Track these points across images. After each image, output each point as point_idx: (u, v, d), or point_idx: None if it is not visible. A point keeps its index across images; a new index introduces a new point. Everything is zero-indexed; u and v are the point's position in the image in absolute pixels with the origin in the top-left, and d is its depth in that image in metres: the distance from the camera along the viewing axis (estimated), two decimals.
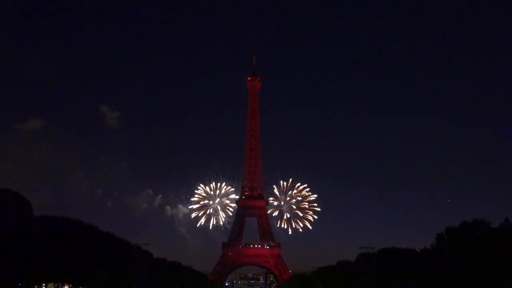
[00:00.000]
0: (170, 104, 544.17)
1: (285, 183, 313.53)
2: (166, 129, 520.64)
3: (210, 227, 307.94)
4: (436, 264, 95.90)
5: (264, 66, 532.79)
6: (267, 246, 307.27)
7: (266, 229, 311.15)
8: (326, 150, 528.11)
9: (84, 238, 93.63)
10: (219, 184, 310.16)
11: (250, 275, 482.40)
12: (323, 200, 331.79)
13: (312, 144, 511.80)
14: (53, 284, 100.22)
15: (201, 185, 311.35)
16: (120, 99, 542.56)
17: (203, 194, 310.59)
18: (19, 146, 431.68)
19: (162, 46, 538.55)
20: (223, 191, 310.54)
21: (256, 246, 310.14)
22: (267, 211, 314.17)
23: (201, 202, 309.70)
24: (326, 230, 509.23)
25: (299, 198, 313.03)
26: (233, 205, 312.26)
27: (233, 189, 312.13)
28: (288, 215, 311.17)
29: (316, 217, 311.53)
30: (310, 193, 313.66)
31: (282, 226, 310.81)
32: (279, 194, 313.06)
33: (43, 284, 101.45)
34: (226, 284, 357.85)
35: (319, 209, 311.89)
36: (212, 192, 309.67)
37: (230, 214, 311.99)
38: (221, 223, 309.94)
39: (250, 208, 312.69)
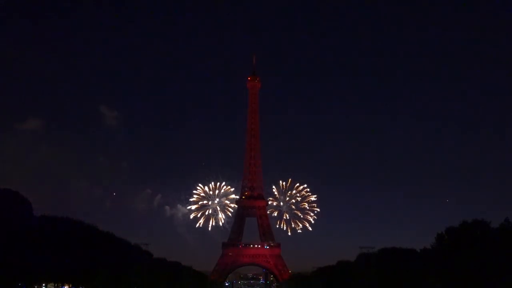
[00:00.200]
0: (169, 104, 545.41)
1: (284, 183, 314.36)
2: (165, 129, 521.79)
3: (209, 228, 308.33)
4: (436, 264, 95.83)
5: (264, 66, 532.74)
6: (267, 246, 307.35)
7: (266, 229, 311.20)
8: (326, 150, 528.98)
9: (84, 238, 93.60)
10: (218, 184, 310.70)
11: (250, 275, 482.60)
12: (323, 200, 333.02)
13: (312, 144, 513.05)
14: (53, 284, 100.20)
15: (200, 185, 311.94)
16: (120, 99, 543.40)
17: (202, 194, 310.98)
18: (19, 146, 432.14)
19: (161, 46, 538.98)
20: (222, 191, 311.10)
21: (256, 246, 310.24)
22: (267, 211, 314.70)
23: (200, 203, 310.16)
24: (326, 230, 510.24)
25: (299, 199, 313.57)
26: (232, 205, 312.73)
27: (232, 189, 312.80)
28: (288, 216, 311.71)
29: (316, 218, 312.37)
30: (309, 194, 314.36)
31: (282, 227, 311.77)
32: (279, 194, 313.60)
33: (43, 284, 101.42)
34: (226, 284, 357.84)
35: (318, 210, 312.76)
36: (211, 192, 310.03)
37: (230, 214, 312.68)
38: (221, 223, 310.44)
39: (250, 208, 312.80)
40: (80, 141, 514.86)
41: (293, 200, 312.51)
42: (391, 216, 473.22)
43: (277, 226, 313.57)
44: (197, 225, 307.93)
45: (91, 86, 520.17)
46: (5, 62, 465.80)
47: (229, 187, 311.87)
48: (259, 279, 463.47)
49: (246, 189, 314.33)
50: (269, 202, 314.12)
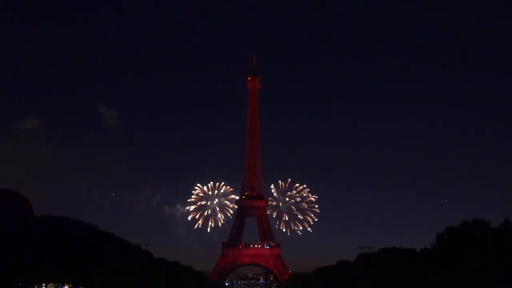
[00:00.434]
0: (169, 104, 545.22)
1: (283, 183, 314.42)
2: (165, 129, 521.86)
3: (209, 230, 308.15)
4: (436, 264, 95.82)
5: (264, 66, 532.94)
6: (267, 246, 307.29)
7: (266, 229, 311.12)
8: (326, 150, 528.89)
9: (84, 238, 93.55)
10: (217, 184, 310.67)
11: (250, 275, 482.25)
12: (323, 200, 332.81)
13: (312, 144, 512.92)
14: (53, 284, 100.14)
15: (199, 185, 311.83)
16: (119, 99, 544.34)
17: (201, 195, 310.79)
18: (17, 146, 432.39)
19: (161, 46, 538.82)
20: (221, 191, 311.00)
21: (256, 246, 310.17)
22: (267, 211, 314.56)
23: (199, 203, 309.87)
24: (326, 230, 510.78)
25: (298, 199, 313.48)
26: (232, 205, 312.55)
27: (232, 189, 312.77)
28: (287, 217, 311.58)
29: (315, 219, 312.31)
30: (309, 194, 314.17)
31: (281, 228, 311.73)
32: (277, 194, 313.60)
33: (43, 284, 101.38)
34: (226, 284, 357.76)
35: (318, 211, 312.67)
36: (210, 193, 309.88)
37: (229, 215, 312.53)
38: (220, 224, 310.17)
39: (250, 208, 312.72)
40: (79, 141, 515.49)
41: (293, 201, 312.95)
42: (391, 216, 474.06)
43: (276, 227, 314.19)
44: (196, 226, 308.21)
45: (90, 86, 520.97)
46: (3, 62, 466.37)
47: (228, 187, 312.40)
48: (259, 279, 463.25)
49: (246, 189, 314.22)
50: (268, 203, 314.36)
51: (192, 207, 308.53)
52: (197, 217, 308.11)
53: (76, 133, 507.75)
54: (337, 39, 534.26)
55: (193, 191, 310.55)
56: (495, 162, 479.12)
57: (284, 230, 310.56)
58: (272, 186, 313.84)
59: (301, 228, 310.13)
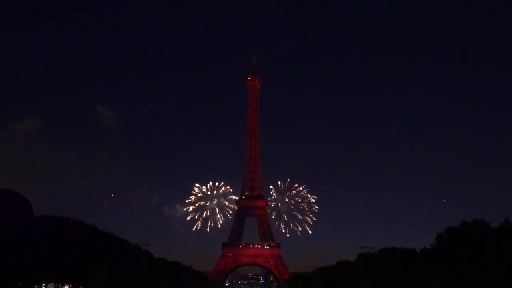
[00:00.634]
0: (168, 104, 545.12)
1: (282, 184, 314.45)
2: (164, 129, 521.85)
3: (208, 230, 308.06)
4: (436, 264, 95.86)
5: (264, 66, 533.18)
6: (267, 246, 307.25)
7: (266, 229, 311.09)
8: (326, 150, 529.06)
9: (84, 238, 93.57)
10: (216, 184, 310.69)
11: (250, 275, 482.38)
12: (323, 200, 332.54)
13: (312, 144, 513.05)
14: (53, 284, 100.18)
15: (198, 185, 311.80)
16: (118, 99, 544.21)
17: (200, 195, 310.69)
18: (18, 146, 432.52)
19: (161, 45, 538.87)
20: (221, 191, 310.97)
21: (256, 246, 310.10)
22: (267, 211, 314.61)
23: (198, 203, 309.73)
24: (326, 230, 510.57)
25: (298, 199, 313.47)
26: (232, 206, 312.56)
27: (231, 190, 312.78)
28: (286, 218, 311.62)
29: (315, 220, 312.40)
30: (308, 195, 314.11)
31: (280, 229, 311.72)
32: (277, 195, 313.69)
33: (43, 284, 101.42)
34: (226, 284, 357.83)
35: (317, 210, 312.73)
36: (209, 193, 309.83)
37: (228, 215, 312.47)
38: (219, 224, 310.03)
39: (250, 208, 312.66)
40: (79, 141, 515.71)
41: (292, 201, 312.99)
42: (391, 216, 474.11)
43: (276, 226, 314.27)
44: (195, 227, 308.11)
45: (89, 86, 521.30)
46: (3, 62, 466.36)
47: (228, 187, 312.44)
48: (259, 279, 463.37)
49: (246, 189, 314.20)
50: (268, 203, 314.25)
51: (191, 208, 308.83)
52: (196, 217, 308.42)
53: (75, 133, 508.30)
54: (337, 39, 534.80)
55: (192, 192, 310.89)
56: (495, 162, 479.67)
57: (283, 231, 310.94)
58: (271, 187, 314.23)
59: (300, 228, 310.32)
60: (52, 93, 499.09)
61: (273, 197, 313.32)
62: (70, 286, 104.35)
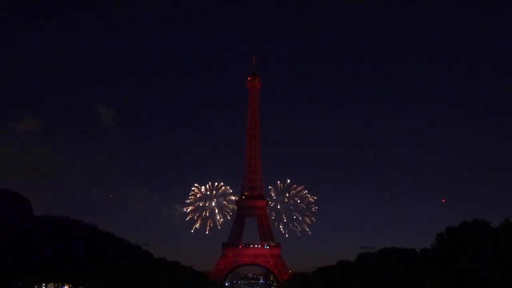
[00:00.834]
0: (168, 103, 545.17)
1: (281, 184, 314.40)
2: (164, 129, 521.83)
3: (207, 231, 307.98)
4: (436, 264, 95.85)
5: (264, 66, 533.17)
6: (267, 246, 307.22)
7: (266, 229, 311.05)
8: (326, 149, 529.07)
9: (84, 238, 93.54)
10: (216, 184, 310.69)
11: (250, 275, 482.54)
12: (323, 200, 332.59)
13: (312, 144, 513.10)
14: (53, 284, 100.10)
15: (196, 185, 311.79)
16: (118, 99, 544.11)
17: (200, 195, 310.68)
18: (18, 146, 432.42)
19: (161, 45, 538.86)
20: (220, 191, 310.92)
21: (256, 246, 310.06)
22: (267, 211, 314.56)
23: (197, 203, 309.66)
24: (326, 230, 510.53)
25: (298, 200, 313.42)
26: (231, 206, 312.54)
27: (230, 190, 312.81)
28: (285, 218, 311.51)
29: (314, 220, 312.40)
30: (308, 195, 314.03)
31: (280, 229, 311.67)
32: (277, 195, 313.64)
33: (43, 284, 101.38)
34: (226, 284, 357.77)
35: (317, 210, 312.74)
36: (208, 193, 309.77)
37: (227, 215, 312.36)
38: (218, 225, 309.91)
39: (250, 208, 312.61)
40: (78, 141, 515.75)
41: (291, 202, 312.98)
42: (391, 216, 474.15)
43: (276, 226, 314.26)
44: (194, 227, 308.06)
45: (89, 85, 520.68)
46: (2, 62, 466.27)
47: (227, 187, 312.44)
48: (259, 279, 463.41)
49: (246, 189, 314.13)
50: (268, 203, 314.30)
51: (190, 208, 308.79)
52: (195, 217, 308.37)
53: (75, 133, 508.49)
54: (337, 39, 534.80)
55: (191, 192, 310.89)
56: (495, 162, 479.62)
57: (282, 232, 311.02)
58: (270, 187, 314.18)
59: (299, 229, 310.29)
60: (52, 93, 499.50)
61: (273, 197, 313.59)
62: (70, 286, 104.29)
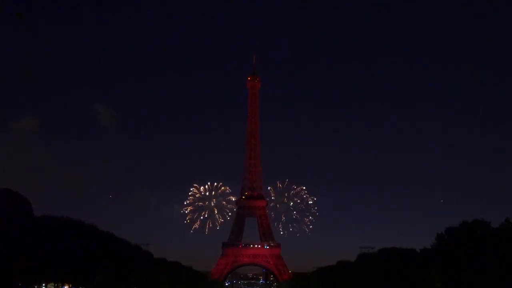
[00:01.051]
0: (168, 103, 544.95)
1: (281, 185, 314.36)
2: (164, 129, 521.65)
3: (206, 231, 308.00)
4: (436, 264, 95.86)
5: (264, 66, 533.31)
6: (267, 246, 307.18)
7: (266, 229, 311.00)
8: (326, 150, 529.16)
9: (84, 238, 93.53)
10: (215, 184, 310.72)
11: (250, 275, 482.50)
12: (323, 200, 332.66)
13: (312, 144, 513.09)
14: (53, 284, 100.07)
15: (196, 185, 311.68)
16: (117, 99, 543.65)
17: (199, 195, 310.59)
18: (17, 146, 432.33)
19: (161, 45, 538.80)
20: (219, 191, 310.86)
21: (256, 246, 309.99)
22: (267, 211, 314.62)
23: (196, 203, 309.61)
24: (326, 230, 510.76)
25: (298, 200, 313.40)
26: (229, 206, 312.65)
27: (230, 190, 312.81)
28: (283, 218, 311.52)
29: (314, 221, 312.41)
30: (307, 196, 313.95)
31: (280, 230, 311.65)
32: (276, 196, 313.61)
33: (43, 284, 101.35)
34: (226, 284, 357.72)
35: (317, 213, 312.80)
36: (207, 193, 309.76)
37: (227, 216, 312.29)
38: (217, 225, 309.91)
39: (250, 208, 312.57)
40: (78, 141, 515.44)
41: (291, 202, 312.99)
42: (391, 216, 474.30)
43: (275, 226, 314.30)
44: (193, 227, 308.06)
45: (87, 85, 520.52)
46: (1, 62, 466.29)
47: (226, 187, 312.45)
48: (259, 279, 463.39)
49: (246, 189, 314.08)
50: (268, 203, 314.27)
51: (190, 208, 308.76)
52: (194, 217, 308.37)
53: (75, 133, 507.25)
54: (337, 39, 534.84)
55: (190, 192, 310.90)
56: (495, 162, 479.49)
57: (281, 232, 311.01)
58: (269, 188, 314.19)
59: (299, 229, 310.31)
60: (52, 93, 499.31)
61: (272, 198, 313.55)
62: (70, 286, 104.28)
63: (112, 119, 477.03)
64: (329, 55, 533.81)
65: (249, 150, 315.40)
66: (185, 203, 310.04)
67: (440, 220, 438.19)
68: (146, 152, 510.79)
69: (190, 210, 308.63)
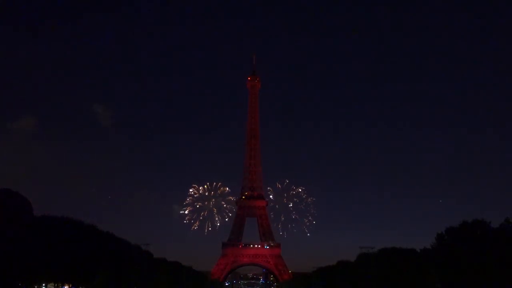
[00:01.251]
0: (168, 103, 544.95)
1: (280, 185, 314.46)
2: (164, 129, 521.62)
3: (206, 231, 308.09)
4: (436, 264, 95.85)
5: (264, 66, 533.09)
6: (267, 246, 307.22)
7: (266, 229, 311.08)
8: (326, 149, 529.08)
9: (84, 238, 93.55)
10: (214, 184, 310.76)
11: (250, 275, 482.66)
12: (323, 200, 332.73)
13: (312, 144, 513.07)
14: (53, 284, 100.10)
15: (195, 185, 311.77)
16: (116, 99, 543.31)
17: (199, 196, 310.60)
18: (17, 146, 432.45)
19: (160, 45, 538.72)
20: (219, 192, 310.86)
21: (256, 246, 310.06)
22: (267, 211, 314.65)
23: (196, 204, 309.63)
24: (326, 230, 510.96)
25: (297, 201, 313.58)
26: (229, 206, 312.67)
27: (229, 190, 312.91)
28: (283, 217, 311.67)
29: (313, 221, 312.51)
30: (306, 196, 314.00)
31: (279, 229, 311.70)
32: (275, 196, 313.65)
33: (43, 284, 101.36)
34: (226, 284, 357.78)
35: (314, 213, 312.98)
36: (207, 194, 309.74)
37: (226, 216, 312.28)
38: (217, 225, 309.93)
39: (250, 208, 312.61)
40: (77, 141, 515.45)
41: (291, 203, 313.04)
42: (391, 216, 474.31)
43: (275, 226, 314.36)
44: (192, 228, 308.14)
45: (86, 85, 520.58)
46: (1, 62, 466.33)
47: (226, 187, 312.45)
48: (259, 279, 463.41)
49: (246, 189, 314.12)
50: (267, 203, 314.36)
51: (189, 208, 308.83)
52: (194, 217, 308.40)
53: (75, 133, 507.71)
54: (337, 39, 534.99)
55: (189, 193, 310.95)
56: (495, 162, 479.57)
57: (281, 233, 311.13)
58: (269, 188, 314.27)
59: (298, 229, 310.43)
60: (51, 93, 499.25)
61: (270, 198, 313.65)
62: (70, 286, 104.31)
63: (111, 119, 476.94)
64: (329, 55, 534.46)
65: (249, 150, 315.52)
66: (184, 203, 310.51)
67: (440, 220, 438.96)
68: (146, 152, 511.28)
69: (190, 211, 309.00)
